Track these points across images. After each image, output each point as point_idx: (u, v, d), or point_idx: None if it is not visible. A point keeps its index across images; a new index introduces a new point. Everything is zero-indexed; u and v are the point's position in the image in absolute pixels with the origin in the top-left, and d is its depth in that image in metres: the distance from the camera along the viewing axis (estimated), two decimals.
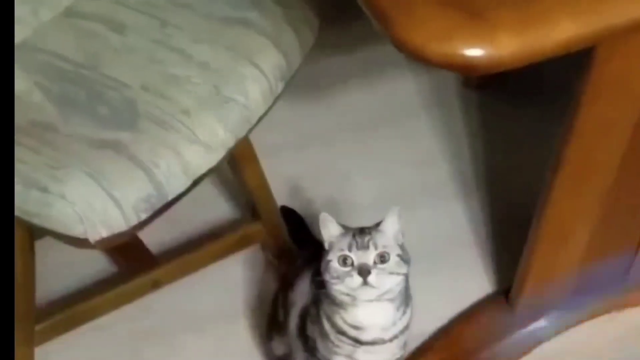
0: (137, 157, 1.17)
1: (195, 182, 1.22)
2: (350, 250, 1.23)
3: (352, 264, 1.23)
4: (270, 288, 1.58)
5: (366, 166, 1.86)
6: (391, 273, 1.23)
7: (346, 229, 1.27)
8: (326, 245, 1.27)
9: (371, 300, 1.25)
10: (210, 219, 1.75)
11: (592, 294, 1.60)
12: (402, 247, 1.26)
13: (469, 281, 1.68)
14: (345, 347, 1.30)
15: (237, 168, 1.50)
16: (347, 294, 1.25)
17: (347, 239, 1.25)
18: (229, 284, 1.68)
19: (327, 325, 1.30)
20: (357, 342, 1.29)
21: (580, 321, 1.61)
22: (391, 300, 1.27)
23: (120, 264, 1.65)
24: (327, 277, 1.25)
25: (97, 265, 1.68)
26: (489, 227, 1.77)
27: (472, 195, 1.82)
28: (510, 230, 1.74)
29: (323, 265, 1.25)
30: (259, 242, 1.68)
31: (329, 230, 1.27)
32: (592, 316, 1.62)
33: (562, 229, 1.43)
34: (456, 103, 1.99)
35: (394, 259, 1.23)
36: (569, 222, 1.41)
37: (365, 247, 1.23)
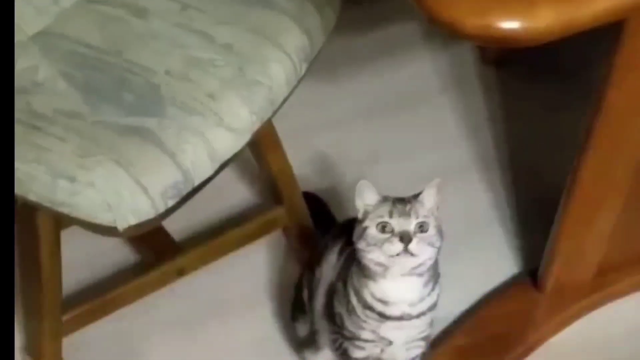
0: (163, 143, 1.17)
1: (221, 167, 1.21)
2: (390, 217, 1.22)
3: (392, 231, 1.22)
4: (294, 273, 1.58)
5: (387, 149, 1.85)
6: (429, 244, 1.23)
7: (384, 197, 1.26)
8: (360, 214, 1.26)
9: (402, 275, 1.24)
10: (232, 205, 1.74)
11: (620, 273, 1.59)
12: (438, 219, 1.25)
13: (494, 262, 1.67)
14: (372, 322, 1.30)
15: (260, 152, 1.50)
16: (381, 264, 1.23)
17: (387, 206, 1.24)
18: (252, 270, 1.67)
19: (354, 300, 1.30)
20: (384, 317, 1.29)
21: (609, 300, 1.60)
22: (420, 275, 1.26)
23: (144, 253, 1.64)
24: (361, 244, 1.24)
25: (122, 254, 1.67)
26: (513, 207, 1.76)
27: (495, 175, 1.81)
28: (534, 209, 1.73)
29: (357, 232, 1.25)
30: (282, 228, 1.67)
31: (367, 197, 1.25)
32: (620, 295, 1.61)
33: (590, 209, 1.42)
34: (475, 83, 1.97)
35: (432, 229, 1.23)
36: (597, 202, 1.41)
37: (407, 215, 1.22)
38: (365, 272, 1.27)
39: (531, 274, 1.61)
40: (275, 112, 1.26)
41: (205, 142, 1.18)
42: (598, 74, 1.26)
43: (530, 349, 1.55)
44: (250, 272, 1.67)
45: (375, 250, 1.23)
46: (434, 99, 1.94)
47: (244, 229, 1.60)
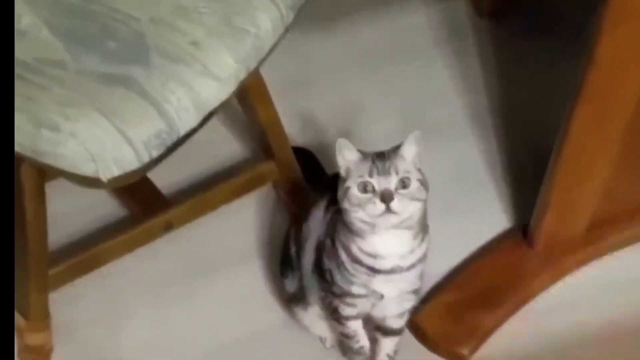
0: (147, 92, 1.15)
1: (207, 117, 1.20)
2: (371, 176, 1.21)
3: (374, 190, 1.21)
4: (284, 228, 1.57)
5: (379, 101, 1.83)
6: (412, 199, 1.21)
7: (364, 154, 1.24)
8: (342, 172, 1.24)
9: (390, 228, 1.23)
10: (221, 159, 1.72)
11: (612, 227, 1.58)
12: (420, 171, 1.24)
13: (485, 218, 1.66)
14: (362, 276, 1.29)
15: (248, 104, 1.48)
16: (367, 222, 1.23)
17: (367, 165, 1.22)
18: (242, 225, 1.66)
19: (343, 255, 1.29)
20: (374, 270, 1.28)
21: (601, 254, 1.59)
22: (409, 227, 1.25)
23: (131, 207, 1.63)
24: (345, 204, 1.23)
25: (109, 208, 1.66)
26: (505, 162, 1.75)
27: (487, 130, 1.80)
28: (527, 165, 1.72)
29: (341, 192, 1.23)
30: (272, 182, 1.65)
31: (346, 156, 1.24)
32: (612, 249, 1.60)
33: (583, 162, 1.41)
34: (470, 36, 1.96)
35: (414, 184, 1.22)
36: (589, 155, 1.40)
37: (387, 173, 1.21)
38: (352, 229, 1.26)
39: (523, 229, 1.60)
40: (262, 61, 1.24)
41: (190, 91, 1.16)
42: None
43: (522, 304, 1.55)
44: (239, 227, 1.66)
45: (359, 211, 1.22)
46: (427, 52, 1.92)
47: (233, 183, 1.58)
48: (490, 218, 1.66)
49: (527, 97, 1.85)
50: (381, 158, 1.22)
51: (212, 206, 1.57)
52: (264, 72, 1.40)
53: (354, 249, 1.27)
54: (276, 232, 1.63)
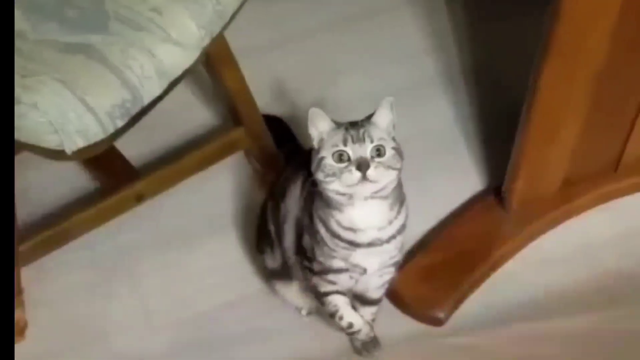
0: (109, 60, 1.14)
1: (172, 85, 1.19)
2: (345, 144, 1.18)
3: (349, 159, 1.18)
4: (258, 197, 1.56)
5: (349, 64, 1.81)
6: (388, 167, 1.19)
7: (337, 123, 1.22)
8: (315, 143, 1.22)
9: (366, 199, 1.21)
10: (191, 128, 1.71)
11: (584, 186, 1.58)
12: (395, 140, 1.21)
13: (459, 180, 1.66)
14: (342, 251, 1.27)
15: (215, 71, 1.46)
16: (343, 194, 1.20)
17: (341, 134, 1.19)
18: (216, 194, 1.65)
19: (322, 230, 1.27)
20: (354, 244, 1.26)
21: (573, 214, 1.59)
22: (385, 197, 1.22)
23: (102, 179, 1.61)
24: (320, 176, 1.20)
25: (79, 182, 1.64)
26: (478, 123, 1.74)
27: (459, 91, 1.78)
28: (499, 126, 1.70)
29: (315, 164, 1.21)
30: (243, 150, 1.64)
31: (320, 125, 1.21)
32: (585, 209, 1.60)
33: (552, 119, 1.40)
34: None
35: (389, 152, 1.19)
36: (559, 111, 1.39)
37: (361, 140, 1.18)
38: (328, 203, 1.24)
39: (496, 190, 1.60)
40: (225, 27, 1.23)
41: (152, 59, 1.15)
42: None
43: (497, 265, 1.55)
44: (212, 196, 1.65)
45: (335, 181, 1.19)
46: (397, 12, 1.89)
47: (203, 151, 1.57)
48: (464, 180, 1.65)
49: (499, 55, 1.83)
50: (355, 126, 1.19)
51: (183, 176, 1.56)
52: (229, 39, 1.38)
53: (333, 224, 1.25)
54: (249, 202, 1.63)
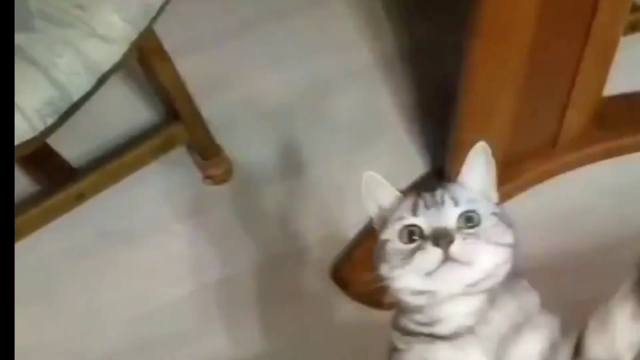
0: (34, 58, 1.13)
1: (101, 80, 1.18)
2: (415, 213, 0.84)
3: (422, 235, 0.83)
4: (202, 192, 1.55)
5: (284, 56, 1.79)
6: (489, 241, 0.83)
7: (404, 191, 0.89)
8: (375, 223, 0.89)
9: (459, 294, 0.83)
10: (130, 125, 1.69)
11: (526, 164, 1.59)
12: (499, 205, 0.88)
13: (400, 164, 1.65)
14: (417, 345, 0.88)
15: (148, 66, 1.46)
16: (420, 292, 0.83)
17: (409, 201, 0.86)
18: (159, 191, 1.64)
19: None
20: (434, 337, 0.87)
21: (515, 193, 1.60)
22: (488, 290, 0.84)
23: (41, 181, 1.60)
24: (384, 270, 0.84)
25: (18, 185, 1.62)
26: (416, 107, 1.74)
27: (396, 76, 1.78)
28: (438, 109, 1.71)
29: (376, 252, 0.86)
30: (184, 144, 1.63)
31: (379, 196, 0.88)
32: (526, 187, 1.61)
33: (487, 97, 1.40)
34: None
35: (488, 219, 0.83)
36: (492, 89, 1.39)
37: (438, 204, 0.84)
38: (402, 308, 0.87)
39: (439, 172, 1.60)
40: (153, 20, 1.23)
41: (78, 54, 1.15)
42: None
43: None
44: (157, 193, 1.64)
45: (405, 273, 0.83)
46: (329, 2, 1.86)
47: (142, 148, 1.56)
48: (405, 164, 1.65)
49: (434, 41, 1.82)
50: (430, 188, 0.86)
51: (124, 173, 1.55)
52: (161, 34, 1.38)
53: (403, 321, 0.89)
54: (193, 196, 1.62)
